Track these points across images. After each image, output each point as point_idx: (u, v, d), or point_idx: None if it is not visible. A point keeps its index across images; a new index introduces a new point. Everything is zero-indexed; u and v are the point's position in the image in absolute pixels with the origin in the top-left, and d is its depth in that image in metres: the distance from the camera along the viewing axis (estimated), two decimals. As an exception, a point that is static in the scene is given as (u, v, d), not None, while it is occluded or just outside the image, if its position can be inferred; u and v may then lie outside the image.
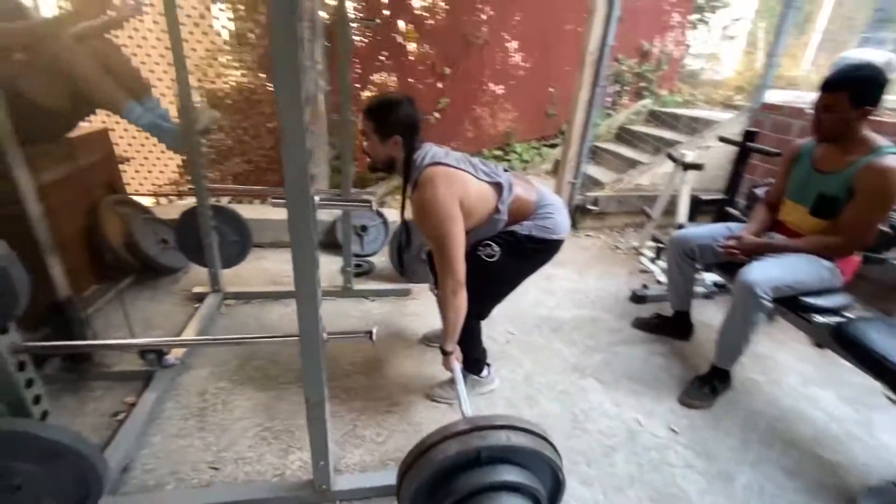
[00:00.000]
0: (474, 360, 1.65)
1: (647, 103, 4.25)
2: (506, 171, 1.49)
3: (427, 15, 3.74)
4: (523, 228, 1.44)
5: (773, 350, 2.10)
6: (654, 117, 4.08)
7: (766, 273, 1.56)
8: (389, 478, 1.33)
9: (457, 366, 1.45)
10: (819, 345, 2.11)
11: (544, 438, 1.01)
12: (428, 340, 1.99)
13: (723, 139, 2.81)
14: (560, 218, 1.49)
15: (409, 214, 1.43)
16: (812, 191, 1.66)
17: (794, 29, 5.06)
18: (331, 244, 2.76)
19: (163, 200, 3.10)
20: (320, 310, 0.94)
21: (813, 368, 1.99)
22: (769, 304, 1.56)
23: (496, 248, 1.43)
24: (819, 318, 1.60)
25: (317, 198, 0.86)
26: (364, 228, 2.69)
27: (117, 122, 2.64)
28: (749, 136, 2.58)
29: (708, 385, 1.75)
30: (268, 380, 1.70)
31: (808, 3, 4.70)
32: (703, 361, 1.87)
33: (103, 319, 1.95)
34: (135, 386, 1.60)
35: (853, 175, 1.53)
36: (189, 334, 1.84)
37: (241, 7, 3.17)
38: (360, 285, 2.37)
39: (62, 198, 1.85)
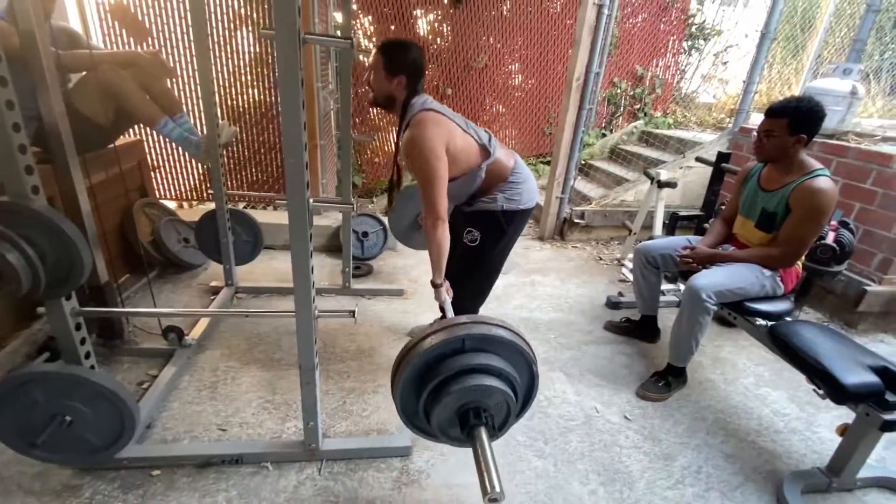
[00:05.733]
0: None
1: (639, 124, 4.47)
2: (490, 137, 1.65)
3: (431, 40, 4.05)
4: (495, 204, 1.60)
5: (735, 354, 2.28)
6: (646, 138, 4.30)
7: (711, 279, 1.76)
8: (369, 443, 1.56)
9: (447, 298, 1.57)
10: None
11: (519, 335, 1.11)
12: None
13: (699, 159, 3.02)
14: (527, 187, 1.65)
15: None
16: (758, 207, 1.87)
17: (791, 55, 5.27)
18: (335, 248, 3.01)
19: (185, 204, 3.41)
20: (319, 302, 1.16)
21: (769, 372, 2.16)
22: (714, 307, 1.76)
23: (477, 233, 1.63)
24: (760, 321, 1.79)
25: (311, 200, 1.10)
26: (365, 234, 2.94)
27: (149, 135, 2.96)
28: (722, 157, 2.79)
29: (663, 380, 1.93)
30: (272, 362, 1.94)
31: (801, 33, 4.91)
32: (665, 361, 2.05)
33: (133, 304, 2.24)
34: (157, 362, 1.86)
35: (789, 194, 1.73)
36: (204, 321, 2.10)
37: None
38: (359, 285, 2.61)
39: (102, 198, 2.15)
